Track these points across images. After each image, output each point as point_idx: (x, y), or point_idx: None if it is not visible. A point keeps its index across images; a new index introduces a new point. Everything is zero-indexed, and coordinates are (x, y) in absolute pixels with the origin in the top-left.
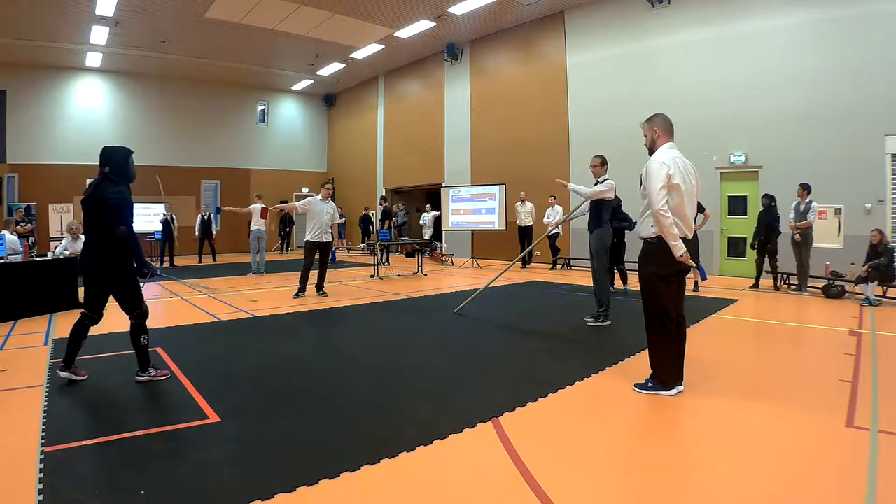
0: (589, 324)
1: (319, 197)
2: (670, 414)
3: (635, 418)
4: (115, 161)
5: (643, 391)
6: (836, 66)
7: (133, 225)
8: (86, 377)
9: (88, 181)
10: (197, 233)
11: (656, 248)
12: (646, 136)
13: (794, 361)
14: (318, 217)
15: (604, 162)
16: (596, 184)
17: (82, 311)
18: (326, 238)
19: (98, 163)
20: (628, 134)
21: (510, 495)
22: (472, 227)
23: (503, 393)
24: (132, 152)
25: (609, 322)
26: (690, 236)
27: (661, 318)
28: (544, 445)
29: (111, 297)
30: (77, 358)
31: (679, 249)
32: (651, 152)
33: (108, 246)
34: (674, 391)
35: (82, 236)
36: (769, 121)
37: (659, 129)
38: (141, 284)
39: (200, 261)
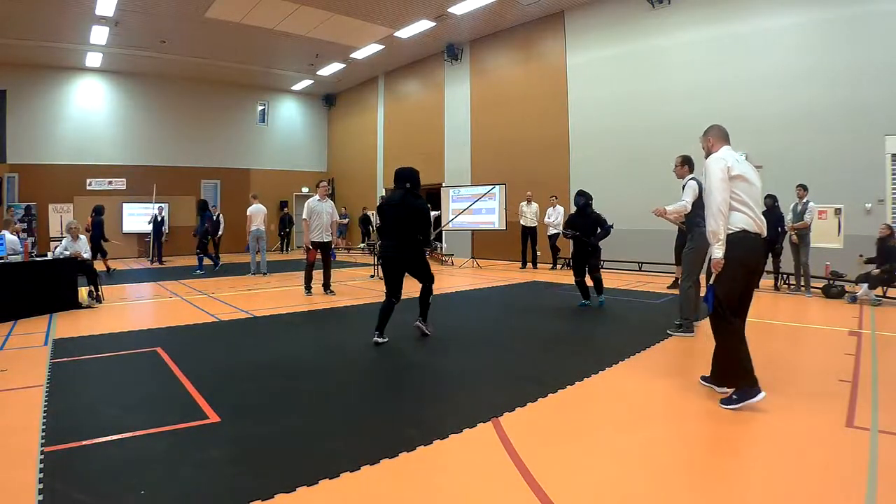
0: (669, 332)
1: (317, 197)
2: (670, 414)
3: (635, 418)
4: (414, 180)
5: (729, 406)
6: (836, 66)
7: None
8: (386, 340)
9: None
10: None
11: (741, 239)
12: (703, 148)
13: (793, 361)
14: (319, 217)
15: (685, 161)
16: (683, 189)
17: (387, 295)
18: (327, 237)
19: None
20: (628, 134)
21: (510, 495)
22: (472, 227)
23: (503, 393)
24: (419, 172)
25: (693, 333)
26: (764, 234)
27: (724, 313)
28: (544, 445)
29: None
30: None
31: (719, 249)
32: None
33: (412, 241)
34: (762, 394)
35: (82, 236)
36: (769, 121)
37: (713, 138)
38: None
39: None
